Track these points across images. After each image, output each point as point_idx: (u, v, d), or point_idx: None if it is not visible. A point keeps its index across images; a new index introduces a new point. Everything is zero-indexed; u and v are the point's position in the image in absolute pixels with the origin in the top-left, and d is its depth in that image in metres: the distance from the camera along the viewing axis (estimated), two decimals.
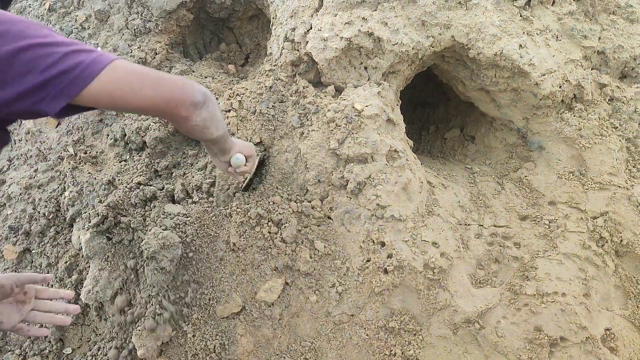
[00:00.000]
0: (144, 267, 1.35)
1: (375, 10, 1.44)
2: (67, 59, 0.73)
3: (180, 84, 0.91)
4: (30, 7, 1.89)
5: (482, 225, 1.40)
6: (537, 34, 1.43)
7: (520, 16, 1.45)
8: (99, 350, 1.43)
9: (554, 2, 1.48)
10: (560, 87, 1.43)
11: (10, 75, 0.69)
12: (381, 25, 1.41)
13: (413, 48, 1.42)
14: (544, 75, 1.40)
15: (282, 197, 1.42)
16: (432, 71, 1.74)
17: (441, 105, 1.99)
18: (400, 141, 1.43)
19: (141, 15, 1.68)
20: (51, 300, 1.02)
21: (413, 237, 1.33)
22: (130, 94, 0.82)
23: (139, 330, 1.35)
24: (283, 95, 1.53)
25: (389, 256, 1.31)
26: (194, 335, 1.36)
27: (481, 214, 1.43)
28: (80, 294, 1.41)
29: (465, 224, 1.40)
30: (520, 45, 1.40)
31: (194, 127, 0.97)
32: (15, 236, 1.62)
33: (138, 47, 1.67)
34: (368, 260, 1.33)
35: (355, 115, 1.38)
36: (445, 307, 1.28)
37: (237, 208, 1.43)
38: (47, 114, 0.75)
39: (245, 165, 1.16)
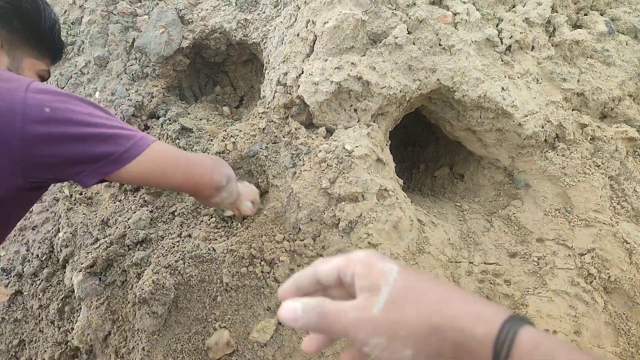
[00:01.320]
0: (135, 311, 1.34)
1: (364, 55, 1.50)
2: (110, 140, 0.79)
3: (209, 171, 1.02)
4: None
5: (472, 263, 1.42)
6: (518, 77, 1.50)
7: (502, 61, 1.52)
8: None
9: (533, 48, 1.56)
10: (542, 127, 1.48)
11: (55, 148, 0.74)
12: (370, 70, 1.48)
13: (400, 91, 1.48)
14: (527, 116, 1.46)
15: (274, 236, 1.44)
16: (421, 112, 1.80)
17: (431, 144, 2.04)
18: (390, 180, 1.47)
19: (139, 61, 1.74)
20: None
21: None
22: (162, 178, 0.90)
23: None
24: (276, 136, 1.57)
25: None
26: None
27: (471, 251, 1.45)
28: (71, 336, 1.40)
29: (456, 262, 1.42)
30: (503, 88, 1.46)
31: (212, 203, 1.10)
32: (7, 278, 1.61)
33: (135, 91, 1.72)
34: None
35: (346, 156, 1.42)
36: None
37: (230, 248, 1.45)
38: (80, 184, 0.81)
39: (250, 210, 1.27)
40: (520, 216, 1.51)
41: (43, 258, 1.60)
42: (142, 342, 1.35)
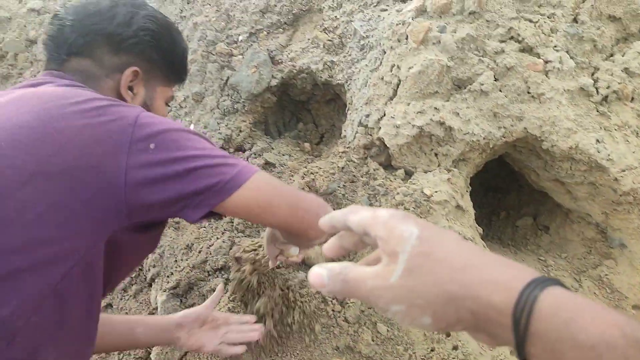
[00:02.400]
0: None
1: (448, 101, 1.50)
2: (214, 171, 0.75)
3: (315, 210, 0.88)
4: None
5: None
6: (616, 130, 1.41)
7: (597, 111, 1.44)
8: None
9: (632, 99, 1.46)
10: None
11: (160, 189, 0.72)
12: (453, 115, 1.47)
13: (484, 138, 1.45)
14: (624, 171, 1.36)
15: None
16: (504, 158, 1.75)
17: (513, 191, 1.96)
18: (469, 228, 1.43)
19: (231, 98, 1.87)
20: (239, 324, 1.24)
21: None
22: (268, 209, 0.82)
23: None
24: (354, 175, 1.60)
25: (455, 348, 1.27)
26: None
27: None
28: (150, 353, 1.49)
29: None
30: (598, 140, 1.39)
31: (310, 243, 0.98)
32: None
33: (225, 125, 1.84)
34: (432, 350, 1.30)
35: (424, 200, 1.41)
36: None
37: (304, 282, 1.47)
38: (187, 220, 0.77)
39: (297, 256, 1.14)
40: (613, 278, 1.39)
41: (133, 275, 1.72)
42: None
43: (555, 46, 1.50)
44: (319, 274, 0.42)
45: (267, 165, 1.72)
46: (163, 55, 0.98)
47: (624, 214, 1.42)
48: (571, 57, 1.49)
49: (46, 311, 0.68)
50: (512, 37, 1.51)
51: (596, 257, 1.48)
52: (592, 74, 1.49)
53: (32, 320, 0.66)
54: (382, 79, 1.61)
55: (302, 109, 2.06)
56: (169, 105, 1.12)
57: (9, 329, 0.64)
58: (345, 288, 0.41)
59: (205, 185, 0.74)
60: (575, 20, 1.53)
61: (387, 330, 1.38)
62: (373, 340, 1.38)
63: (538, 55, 1.49)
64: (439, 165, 1.50)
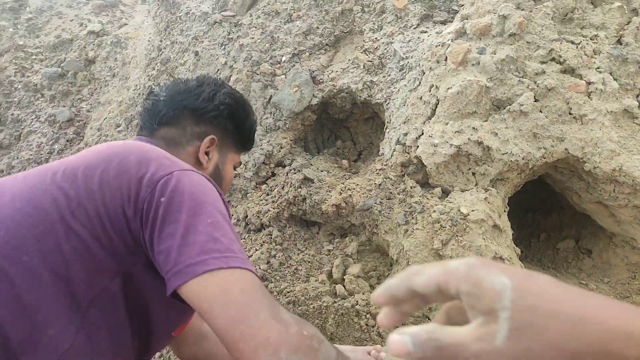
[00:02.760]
0: None
1: (486, 121, 1.51)
2: (202, 252, 0.71)
3: (265, 333, 0.67)
4: None
5: None
6: None
7: None
8: None
9: None
10: None
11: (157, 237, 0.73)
12: (491, 135, 1.48)
13: (523, 158, 1.45)
14: None
15: None
16: (544, 179, 1.72)
17: (554, 212, 1.92)
18: (506, 248, 1.42)
19: (273, 115, 1.95)
20: None
21: None
22: (209, 314, 0.70)
23: None
24: (391, 192, 1.63)
25: None
26: None
27: None
28: None
29: None
30: None
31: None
32: None
33: (267, 142, 1.92)
34: None
35: (461, 219, 1.41)
36: None
37: (339, 294, 1.50)
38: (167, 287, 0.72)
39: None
40: None
41: None
42: None
43: (598, 67, 1.49)
44: (402, 342, 0.37)
45: (306, 181, 1.77)
46: (236, 126, 1.12)
47: None
48: (615, 79, 1.47)
49: (85, 333, 0.71)
50: (553, 59, 1.51)
51: None
52: (637, 96, 1.47)
53: (76, 341, 0.69)
54: (421, 98, 1.64)
55: (340, 126, 2.11)
56: (235, 170, 1.23)
57: (56, 349, 0.67)
58: (440, 355, 0.37)
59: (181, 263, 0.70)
60: (619, 41, 1.52)
61: None
62: None
63: (580, 77, 1.48)
64: (476, 185, 1.51)
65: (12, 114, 2.90)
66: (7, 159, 2.75)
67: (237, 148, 1.17)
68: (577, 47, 1.50)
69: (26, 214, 0.71)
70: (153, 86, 2.35)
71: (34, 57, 3.16)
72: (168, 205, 0.73)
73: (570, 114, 1.45)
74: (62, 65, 3.10)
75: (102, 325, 0.73)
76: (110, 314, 0.74)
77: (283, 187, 1.80)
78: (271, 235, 1.75)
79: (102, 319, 0.73)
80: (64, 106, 2.92)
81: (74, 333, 0.69)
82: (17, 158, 2.72)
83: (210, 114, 1.06)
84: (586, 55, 1.50)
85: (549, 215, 1.95)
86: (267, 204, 1.80)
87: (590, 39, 1.51)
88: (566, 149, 1.43)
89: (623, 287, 1.45)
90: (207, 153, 1.06)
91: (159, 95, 1.07)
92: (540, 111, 1.47)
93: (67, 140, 2.78)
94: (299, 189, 1.74)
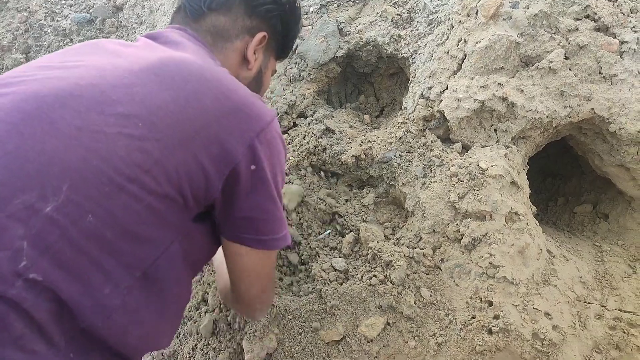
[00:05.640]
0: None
1: (513, 77, 1.49)
2: (267, 227, 0.84)
3: (258, 312, 1.10)
4: None
5: (604, 307, 1.31)
6: None
7: None
8: None
9: None
10: None
11: (239, 206, 0.79)
12: (516, 92, 1.46)
13: (547, 116, 1.44)
14: None
15: (399, 240, 1.50)
16: (567, 142, 1.71)
17: (574, 178, 1.91)
18: (522, 205, 1.43)
19: (298, 66, 1.95)
20: None
21: (524, 304, 1.30)
22: (246, 279, 0.91)
23: (249, 336, 1.50)
24: (411, 146, 1.64)
25: (496, 317, 1.29)
26: (295, 354, 1.46)
27: (605, 294, 1.34)
28: None
29: (585, 302, 1.32)
30: None
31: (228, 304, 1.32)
32: None
33: (291, 92, 1.93)
34: (473, 317, 1.33)
35: (479, 173, 1.42)
36: None
37: (350, 241, 1.55)
38: (223, 234, 0.84)
39: None
40: None
41: None
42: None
43: (633, 27, 1.45)
44: None
45: (327, 131, 1.79)
46: (285, 29, 1.05)
47: None
48: None
49: (136, 292, 0.70)
50: (587, 16, 1.47)
51: None
52: None
53: (125, 299, 0.69)
54: (448, 52, 1.62)
55: (364, 81, 2.11)
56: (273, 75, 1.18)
57: (107, 308, 0.67)
58: None
59: (256, 230, 0.82)
60: None
61: (430, 295, 1.42)
62: (415, 303, 1.43)
63: (614, 36, 1.45)
64: (497, 141, 1.51)
65: None
66: None
67: (280, 52, 1.11)
68: (613, 5, 1.46)
69: (94, 169, 0.64)
70: None
71: (63, 1, 3.19)
72: (257, 175, 0.77)
73: (600, 73, 1.43)
74: (90, 11, 3.13)
75: (159, 283, 0.74)
76: (169, 271, 0.75)
77: (304, 137, 1.82)
78: (291, 183, 1.79)
79: (160, 277, 0.74)
80: None
81: (125, 292, 0.69)
82: None
83: (264, 7, 0.98)
84: (622, 13, 1.46)
85: (569, 180, 1.94)
86: (287, 153, 1.83)
87: None
88: (592, 109, 1.42)
89: (637, 250, 1.46)
90: (255, 52, 0.99)
91: None
92: (570, 69, 1.45)
93: None
94: (320, 139, 1.76)
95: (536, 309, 1.28)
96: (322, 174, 1.79)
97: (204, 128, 0.71)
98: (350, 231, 1.61)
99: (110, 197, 0.64)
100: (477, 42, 1.52)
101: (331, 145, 1.75)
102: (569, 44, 1.45)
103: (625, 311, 1.30)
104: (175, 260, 0.76)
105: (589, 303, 1.32)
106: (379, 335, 1.43)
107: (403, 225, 1.63)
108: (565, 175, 1.96)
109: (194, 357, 1.62)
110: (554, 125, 1.47)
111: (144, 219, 0.67)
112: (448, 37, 1.66)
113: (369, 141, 1.70)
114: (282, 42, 1.08)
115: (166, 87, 0.71)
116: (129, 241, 0.67)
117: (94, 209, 0.63)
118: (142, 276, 0.70)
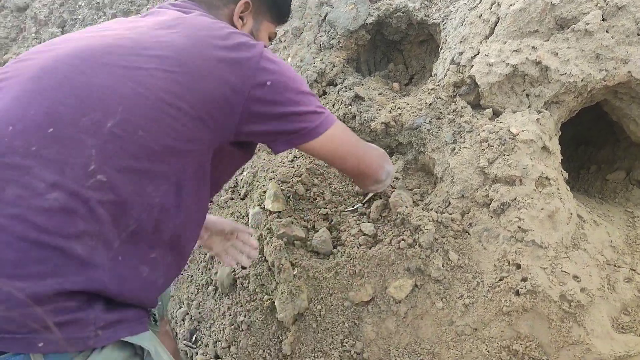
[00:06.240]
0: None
1: (547, 40, 1.47)
2: (307, 118, 0.96)
3: (375, 165, 1.17)
4: None
5: (635, 270, 1.32)
6: None
7: None
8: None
9: None
10: None
11: (264, 124, 0.93)
12: (551, 55, 1.44)
13: (582, 80, 1.41)
14: None
15: (428, 205, 1.53)
16: (602, 108, 1.68)
17: (608, 145, 1.88)
18: (553, 170, 1.43)
19: (327, 33, 1.96)
20: (243, 242, 1.46)
21: (552, 266, 1.31)
22: (337, 157, 1.06)
23: (281, 295, 1.57)
24: (441, 112, 1.64)
25: (524, 279, 1.32)
26: (325, 313, 1.53)
27: (635, 258, 1.34)
28: None
29: (615, 265, 1.33)
30: None
31: (365, 189, 1.37)
32: None
33: (320, 60, 1.94)
34: (501, 280, 1.36)
35: (510, 138, 1.42)
36: (577, 343, 1.24)
37: (377, 206, 1.58)
38: (272, 149, 1.00)
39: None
40: None
41: (230, 191, 1.94)
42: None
43: None
44: None
45: (357, 99, 1.80)
46: None
47: None
48: None
49: (171, 195, 0.86)
50: None
51: None
52: None
53: (162, 200, 0.84)
54: (480, 16, 1.60)
55: (394, 49, 2.10)
56: (271, 41, 1.28)
57: (151, 205, 0.82)
58: None
59: (298, 128, 0.95)
60: None
61: (458, 259, 1.45)
62: (443, 266, 1.46)
63: None
64: (529, 107, 1.50)
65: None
66: None
67: (272, 17, 1.19)
68: None
69: (141, 95, 0.80)
70: None
71: None
72: (276, 83, 0.91)
73: (638, 34, 1.39)
74: None
75: (186, 189, 0.89)
76: (201, 178, 0.92)
77: (334, 105, 1.84)
78: None
79: (188, 185, 0.89)
80: None
81: (161, 194, 0.84)
82: None
83: None
84: None
85: (602, 148, 1.91)
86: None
87: None
88: (629, 72, 1.38)
89: None
90: (241, 18, 1.11)
91: None
92: (607, 31, 1.41)
93: None
94: (350, 107, 1.78)
95: (565, 271, 1.30)
96: None
97: (220, 61, 0.87)
98: (380, 198, 1.64)
99: (155, 118, 0.80)
100: (511, 5, 1.50)
101: (361, 112, 1.76)
102: (606, 4, 1.41)
103: None
104: (201, 172, 0.92)
105: (619, 267, 1.33)
106: (407, 296, 1.48)
107: (432, 192, 1.65)
108: (599, 143, 1.93)
109: (228, 313, 1.71)
110: (589, 90, 1.44)
111: (181, 135, 0.83)
112: (481, 0, 1.64)
113: (399, 108, 1.71)
114: (271, 6, 1.18)
115: (184, 35, 0.88)
116: (169, 154, 0.82)
117: (143, 125, 0.79)
118: (175, 183, 0.86)
